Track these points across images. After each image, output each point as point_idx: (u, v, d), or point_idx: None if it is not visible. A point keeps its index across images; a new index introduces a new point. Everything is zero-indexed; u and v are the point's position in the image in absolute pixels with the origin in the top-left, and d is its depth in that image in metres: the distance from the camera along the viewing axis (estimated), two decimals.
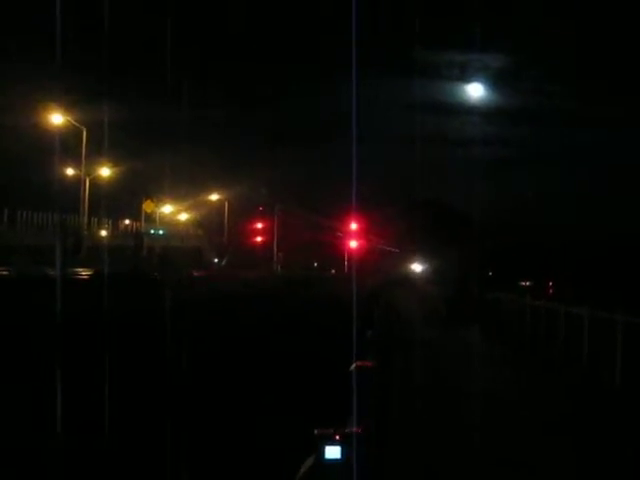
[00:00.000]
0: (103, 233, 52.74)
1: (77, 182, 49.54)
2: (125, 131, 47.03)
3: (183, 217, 71.91)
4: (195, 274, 45.30)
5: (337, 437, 6.49)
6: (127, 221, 63.16)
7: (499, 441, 9.10)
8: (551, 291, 49.64)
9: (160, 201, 63.75)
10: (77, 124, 46.92)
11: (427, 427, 9.65)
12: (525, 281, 51.99)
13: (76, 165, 49.62)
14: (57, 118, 45.87)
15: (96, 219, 53.43)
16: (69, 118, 46.66)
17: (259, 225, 74.60)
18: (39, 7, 42.48)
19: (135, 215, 62.42)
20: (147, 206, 61.59)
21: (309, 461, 6.60)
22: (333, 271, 66.07)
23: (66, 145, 46.94)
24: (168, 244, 58.19)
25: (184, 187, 62.22)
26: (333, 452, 6.42)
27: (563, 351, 16.03)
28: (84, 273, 36.53)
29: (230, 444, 10.23)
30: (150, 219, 64.30)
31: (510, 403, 11.82)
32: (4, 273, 36.19)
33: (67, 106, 46.12)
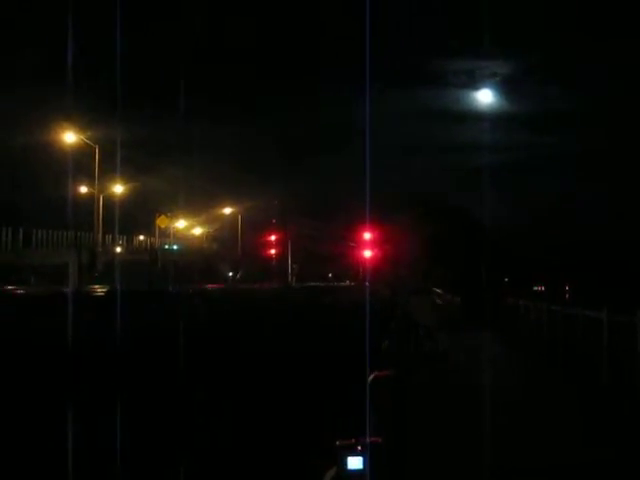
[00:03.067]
0: (118, 249, 52.99)
1: (91, 199, 49.82)
2: (138, 147, 47.35)
3: (197, 231, 72.13)
4: (210, 287, 45.40)
5: (359, 448, 6.49)
6: (141, 237, 63.44)
7: (518, 456, 8.97)
8: (568, 295, 49.35)
9: (174, 216, 63.98)
10: (89, 142, 47.23)
11: (446, 437, 9.59)
12: (539, 286, 51.68)
13: (90, 183, 49.93)
14: (70, 137, 46.22)
15: (110, 236, 53.69)
16: (82, 136, 46.99)
17: (273, 237, 74.65)
18: (52, 27, 42.92)
19: (149, 231, 62.69)
20: (161, 221, 61.81)
21: (331, 472, 6.60)
22: (348, 282, 66.00)
23: (80, 163, 47.29)
24: (182, 258, 58.37)
25: (197, 202, 62.50)
26: (355, 463, 6.42)
27: (581, 359, 15.87)
28: (100, 290, 36.71)
29: (257, 457, 10.21)
30: (164, 234, 64.55)
31: (531, 415, 11.65)
32: (20, 291, 36.44)
33: (80, 125, 46.47)
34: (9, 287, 37.41)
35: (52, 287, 33.70)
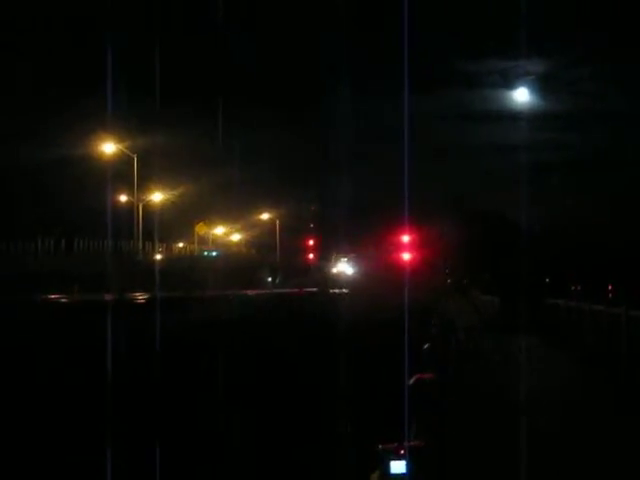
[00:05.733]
0: (158, 257, 53.56)
1: (131, 208, 50.47)
2: (176, 156, 47.85)
3: (235, 238, 72.60)
4: (249, 293, 45.61)
5: (402, 452, 6.51)
6: (181, 244, 64.03)
7: (558, 464, 8.82)
8: (611, 295, 48.59)
9: (212, 223, 64.50)
10: (128, 152, 47.88)
11: (488, 441, 9.52)
12: (577, 286, 50.93)
13: (130, 191, 50.59)
14: (109, 147, 46.92)
15: (150, 243, 54.30)
16: (121, 146, 47.66)
17: (311, 242, 74.84)
18: (90, 40, 43.63)
19: (188, 238, 63.27)
20: (200, 228, 62.40)
21: (374, 476, 6.63)
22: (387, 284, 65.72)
23: (120, 173, 47.93)
24: (221, 264, 58.78)
25: (236, 208, 62.88)
26: (398, 467, 6.44)
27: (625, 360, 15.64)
28: (141, 297, 37.12)
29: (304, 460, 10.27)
30: (203, 241, 65.08)
31: (574, 418, 11.46)
32: (64, 300, 37.01)
33: (120, 135, 47.16)
34: (53, 296, 38.04)
35: (95, 295, 34.18)
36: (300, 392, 13.87)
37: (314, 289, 51.22)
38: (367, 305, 33.81)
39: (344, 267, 67.65)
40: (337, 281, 59.74)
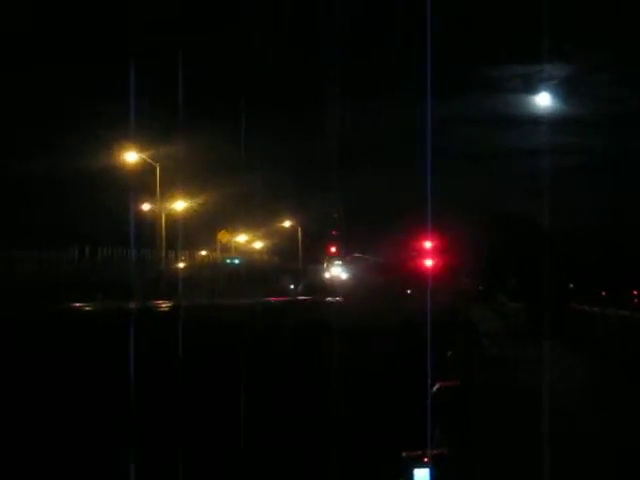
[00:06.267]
0: (181, 265, 53.78)
1: (154, 216, 50.74)
2: (198, 164, 48.07)
3: (258, 245, 72.74)
4: (272, 300, 45.62)
5: (425, 459, 6.42)
6: (204, 252, 64.28)
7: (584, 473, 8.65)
8: (636, 300, 47.97)
9: (234, 230, 64.69)
10: (151, 161, 48.17)
11: (513, 448, 9.39)
12: (601, 291, 50.27)
13: (153, 200, 50.86)
14: (132, 156, 47.24)
15: (173, 251, 54.55)
16: (143, 155, 47.95)
17: (333, 249, 74.77)
18: (111, 50, 43.98)
19: (210, 246, 63.49)
20: (222, 236, 62.61)
21: None
22: (409, 291, 65.44)
23: (142, 181, 48.23)
24: (244, 272, 58.89)
25: (257, 216, 63.01)
26: (422, 474, 6.34)
27: None
28: (164, 305, 37.28)
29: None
30: (226, 249, 65.27)
31: (601, 426, 11.27)
32: (87, 308, 37.27)
33: (141, 144, 47.46)
34: (77, 304, 38.31)
35: (119, 303, 34.36)
36: (321, 398, 13.80)
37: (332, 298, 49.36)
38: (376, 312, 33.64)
39: (337, 271, 63.64)
40: (331, 287, 54.97)
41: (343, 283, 58.61)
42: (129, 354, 16.39)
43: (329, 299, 46.81)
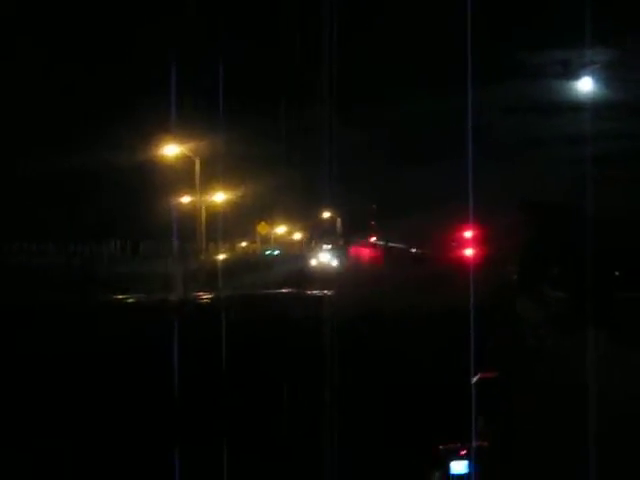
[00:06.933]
0: (221, 257, 54.18)
1: (194, 209, 51.17)
2: (238, 157, 48.24)
3: (297, 237, 72.94)
4: (316, 293, 45.47)
5: (463, 452, 6.36)
6: (244, 243, 64.75)
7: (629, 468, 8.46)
8: None
9: (274, 222, 64.99)
10: (191, 155, 48.54)
11: (555, 442, 9.25)
12: None
13: (193, 193, 51.31)
14: (172, 149, 47.64)
15: (213, 244, 54.98)
16: (183, 149, 48.34)
17: (373, 239, 74.67)
18: (152, 45, 44.32)
19: (251, 237, 63.90)
20: (262, 228, 62.91)
21: (435, 477, 6.50)
22: (447, 281, 64.87)
23: (182, 174, 48.66)
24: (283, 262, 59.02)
25: (297, 208, 63.14)
26: (460, 467, 6.29)
27: None
28: (205, 296, 37.60)
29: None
30: (265, 240, 65.61)
31: None
32: (130, 300, 37.76)
33: (182, 137, 47.83)
34: (120, 296, 38.84)
35: (163, 295, 34.76)
36: (357, 391, 13.78)
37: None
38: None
39: (326, 257, 53.86)
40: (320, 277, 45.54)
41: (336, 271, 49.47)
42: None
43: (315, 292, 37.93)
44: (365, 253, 58.84)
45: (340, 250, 51.72)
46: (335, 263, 48.45)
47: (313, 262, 49.14)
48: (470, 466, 6.15)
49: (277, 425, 12.70)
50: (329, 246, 51.61)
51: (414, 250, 67.20)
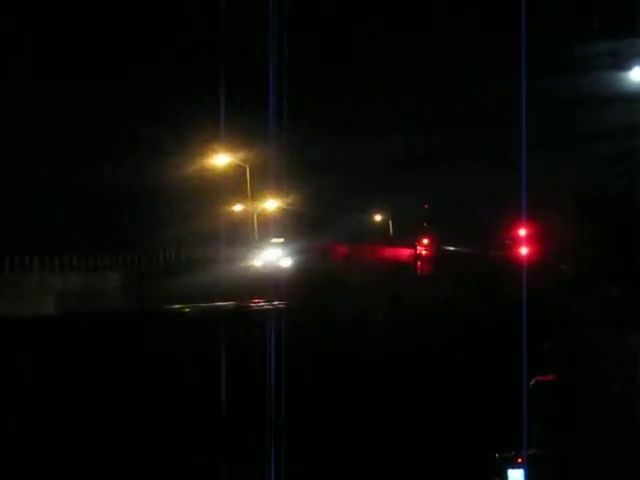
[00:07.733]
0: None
1: (246, 216, 51.74)
2: (287, 163, 48.55)
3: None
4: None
5: (519, 460, 6.26)
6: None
7: None
8: None
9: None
10: (241, 163, 49.12)
11: (615, 449, 9.01)
12: None
13: (244, 201, 51.93)
14: (223, 158, 48.31)
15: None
16: (234, 157, 48.94)
17: (425, 241, 74.61)
18: (196, 56, 44.91)
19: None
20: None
21: None
22: (502, 279, 64.05)
23: (233, 183, 49.28)
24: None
25: (347, 211, 63.26)
26: (516, 475, 6.19)
27: None
28: (260, 303, 37.90)
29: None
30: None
31: None
32: (186, 310, 38.26)
33: (232, 146, 48.43)
34: (177, 306, 39.40)
35: (215, 302, 35.25)
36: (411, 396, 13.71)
37: None
38: None
39: (275, 256, 44.75)
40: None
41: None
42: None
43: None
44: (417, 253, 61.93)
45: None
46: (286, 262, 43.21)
47: (256, 262, 43.21)
48: (526, 475, 6.06)
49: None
50: (278, 241, 45.56)
51: (467, 250, 66.60)
